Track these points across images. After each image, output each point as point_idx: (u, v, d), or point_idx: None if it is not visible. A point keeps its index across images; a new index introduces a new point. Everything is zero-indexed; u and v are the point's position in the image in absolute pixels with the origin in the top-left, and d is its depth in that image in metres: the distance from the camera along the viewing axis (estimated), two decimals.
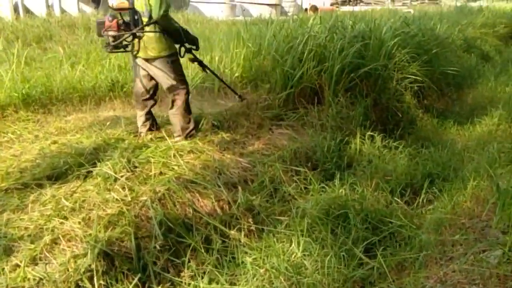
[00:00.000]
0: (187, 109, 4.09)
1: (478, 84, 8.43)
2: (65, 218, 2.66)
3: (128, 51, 3.88)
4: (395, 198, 3.68)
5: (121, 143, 3.75)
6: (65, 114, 4.72)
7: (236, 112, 4.99)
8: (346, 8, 25.29)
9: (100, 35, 3.73)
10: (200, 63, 4.39)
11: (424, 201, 3.76)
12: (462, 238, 2.77)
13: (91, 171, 3.18)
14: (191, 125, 4.13)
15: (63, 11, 11.74)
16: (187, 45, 4.09)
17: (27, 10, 11.12)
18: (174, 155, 3.58)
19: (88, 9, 12.91)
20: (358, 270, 2.81)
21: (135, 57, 3.91)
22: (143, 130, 4.15)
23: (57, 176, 3.15)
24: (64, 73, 5.44)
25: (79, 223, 2.63)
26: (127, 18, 3.78)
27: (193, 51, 4.19)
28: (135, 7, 3.73)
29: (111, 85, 5.42)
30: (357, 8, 24.94)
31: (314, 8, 24.28)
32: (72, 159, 3.32)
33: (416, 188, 4.06)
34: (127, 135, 4.06)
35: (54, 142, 3.76)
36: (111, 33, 3.63)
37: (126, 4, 3.66)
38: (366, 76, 6.06)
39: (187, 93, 4.06)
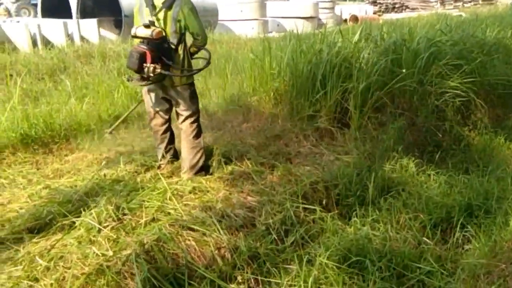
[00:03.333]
0: (200, 141, 4.14)
1: None
2: (36, 280, 2.55)
3: (158, 82, 3.82)
4: (424, 238, 3.38)
5: (115, 186, 3.67)
6: (67, 153, 4.71)
7: (250, 141, 4.85)
8: (390, 16, 24.98)
9: (140, 68, 3.59)
10: None
11: (460, 240, 3.44)
12: None
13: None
14: (201, 162, 4.12)
15: (83, 39, 12.06)
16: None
17: (46, 41, 11.51)
18: (171, 198, 3.44)
19: (112, 35, 13.23)
20: None
21: (158, 86, 3.91)
22: (163, 162, 4.20)
23: (40, 228, 3.08)
24: (70, 108, 5.47)
25: (51, 285, 2.51)
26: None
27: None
28: None
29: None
30: (402, 15, 24.61)
31: (354, 18, 24.10)
32: (59, 207, 3.24)
33: (453, 223, 3.74)
34: (126, 175, 3.99)
35: (46, 187, 3.73)
36: (152, 65, 3.56)
37: (162, 33, 3.66)
38: (399, 93, 5.79)
39: (200, 124, 4.16)
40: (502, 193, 4.04)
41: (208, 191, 3.75)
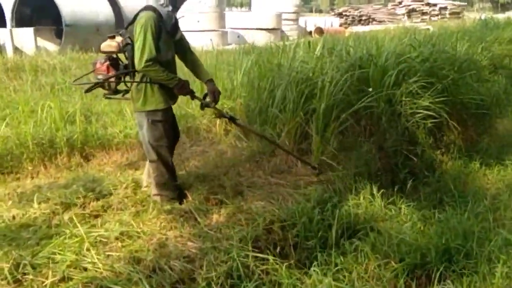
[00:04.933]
0: (163, 185, 3.82)
1: (509, 112, 7.79)
2: None
3: (125, 99, 3.81)
4: None
5: (22, 232, 3.14)
6: None
7: (195, 170, 4.42)
8: (357, 28, 25.10)
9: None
10: (232, 119, 4.23)
11: None
12: None
13: None
14: (170, 195, 3.85)
15: (16, 49, 11.38)
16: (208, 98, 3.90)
17: None
18: (89, 248, 2.94)
19: (51, 46, 12.55)
20: None
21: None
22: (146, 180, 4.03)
23: None
24: None
25: None
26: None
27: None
28: None
29: (44, 144, 4.86)
30: (369, 27, 24.77)
31: (320, 30, 24.08)
32: None
33: (428, 269, 3.37)
34: (40, 216, 3.45)
35: None
36: (100, 76, 3.53)
37: (112, 47, 3.53)
38: (365, 114, 5.46)
39: (165, 167, 3.78)
40: (483, 233, 3.70)
41: (139, 237, 3.26)
